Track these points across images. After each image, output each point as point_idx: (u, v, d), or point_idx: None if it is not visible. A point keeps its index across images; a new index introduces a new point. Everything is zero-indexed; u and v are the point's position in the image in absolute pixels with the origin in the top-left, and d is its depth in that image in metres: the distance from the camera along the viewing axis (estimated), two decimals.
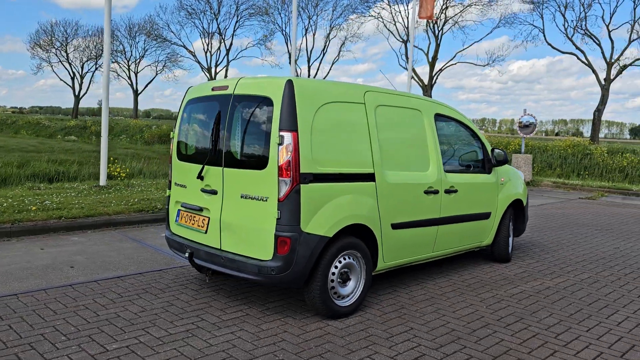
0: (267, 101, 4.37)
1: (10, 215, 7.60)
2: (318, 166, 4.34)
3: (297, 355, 3.85)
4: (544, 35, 49.06)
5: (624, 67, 37.92)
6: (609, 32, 37.64)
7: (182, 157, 5.19)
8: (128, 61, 61.19)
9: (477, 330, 4.45)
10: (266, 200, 4.29)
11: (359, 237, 4.72)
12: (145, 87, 66.59)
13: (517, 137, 27.58)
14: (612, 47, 37.85)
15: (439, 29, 43.21)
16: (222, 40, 53.25)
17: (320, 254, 4.37)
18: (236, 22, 52.25)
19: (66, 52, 62.37)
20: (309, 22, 48.29)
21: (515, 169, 6.94)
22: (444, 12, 41.13)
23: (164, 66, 59.89)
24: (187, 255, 4.77)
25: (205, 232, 4.77)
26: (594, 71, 38.17)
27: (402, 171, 5.12)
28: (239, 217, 4.49)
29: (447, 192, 5.59)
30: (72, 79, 64.23)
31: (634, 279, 6.23)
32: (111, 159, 13.36)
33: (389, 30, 47.31)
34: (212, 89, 4.91)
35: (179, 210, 5.17)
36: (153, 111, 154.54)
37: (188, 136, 5.20)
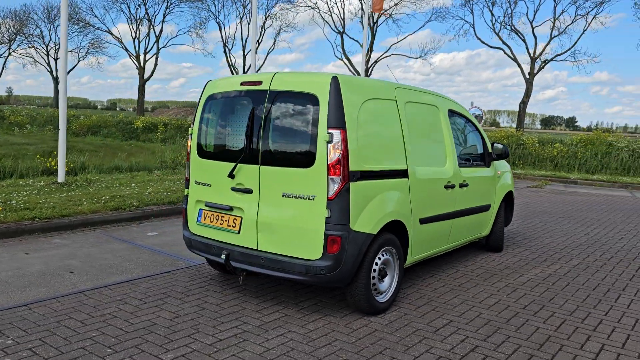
0: (311, 98, 4.28)
1: None
2: (364, 164, 4.33)
3: (358, 354, 3.84)
4: (474, 30, 51.32)
5: (546, 61, 40.39)
6: (533, 28, 39.92)
7: (205, 154, 4.97)
8: (47, 46, 57.36)
9: (511, 320, 4.63)
10: (313, 199, 4.21)
11: (393, 233, 4.76)
12: (68, 74, 62.67)
13: None
14: (535, 43, 40.19)
15: (374, 21, 43.96)
16: (152, 27, 51.19)
17: (366, 251, 4.37)
18: (166, 7, 50.37)
19: None
20: (244, 10, 47.45)
21: (504, 161, 7.24)
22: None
23: (86, 52, 56.71)
24: (223, 257, 4.58)
25: (238, 232, 4.62)
26: (519, 65, 40.36)
27: (427, 167, 5.21)
28: (280, 216, 4.38)
29: (461, 186, 5.75)
30: None
31: (617, 264, 6.72)
32: (54, 153, 12.51)
33: (324, 20, 47.46)
34: (242, 84, 4.74)
35: (200, 210, 4.96)
36: (70, 99, 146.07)
37: (211, 133, 4.98)
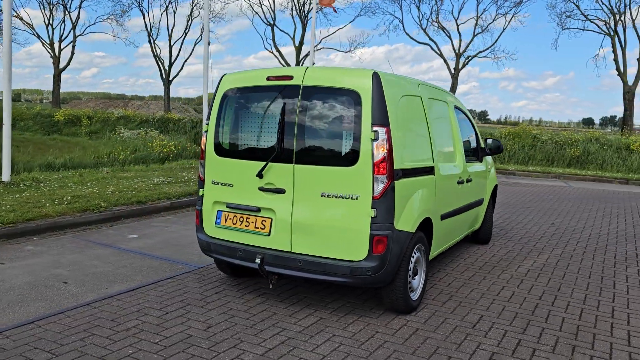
0: (352, 94, 4.14)
1: None
2: (404, 161, 4.26)
3: (414, 355, 3.79)
4: (403, 26, 52.59)
5: (469, 58, 42.27)
6: (457, 25, 41.62)
7: (224, 152, 4.68)
8: None
9: (535, 312, 4.77)
10: (356, 198, 4.09)
11: (422, 230, 4.74)
12: None
13: None
14: (460, 40, 41.98)
15: (305, 14, 43.89)
16: (67, 13, 47.87)
17: (406, 250, 4.32)
18: None
19: None
20: None
21: (489, 156, 7.45)
22: None
23: None
24: (257, 261, 4.34)
25: (269, 234, 4.40)
26: (445, 61, 41.96)
27: (446, 163, 5.24)
28: (318, 217, 4.22)
29: (467, 181, 5.85)
30: None
31: (595, 251, 7.14)
32: None
33: (254, 12, 46.70)
34: (268, 79, 4.49)
35: (220, 211, 4.67)
36: None
37: (232, 130, 4.70)
